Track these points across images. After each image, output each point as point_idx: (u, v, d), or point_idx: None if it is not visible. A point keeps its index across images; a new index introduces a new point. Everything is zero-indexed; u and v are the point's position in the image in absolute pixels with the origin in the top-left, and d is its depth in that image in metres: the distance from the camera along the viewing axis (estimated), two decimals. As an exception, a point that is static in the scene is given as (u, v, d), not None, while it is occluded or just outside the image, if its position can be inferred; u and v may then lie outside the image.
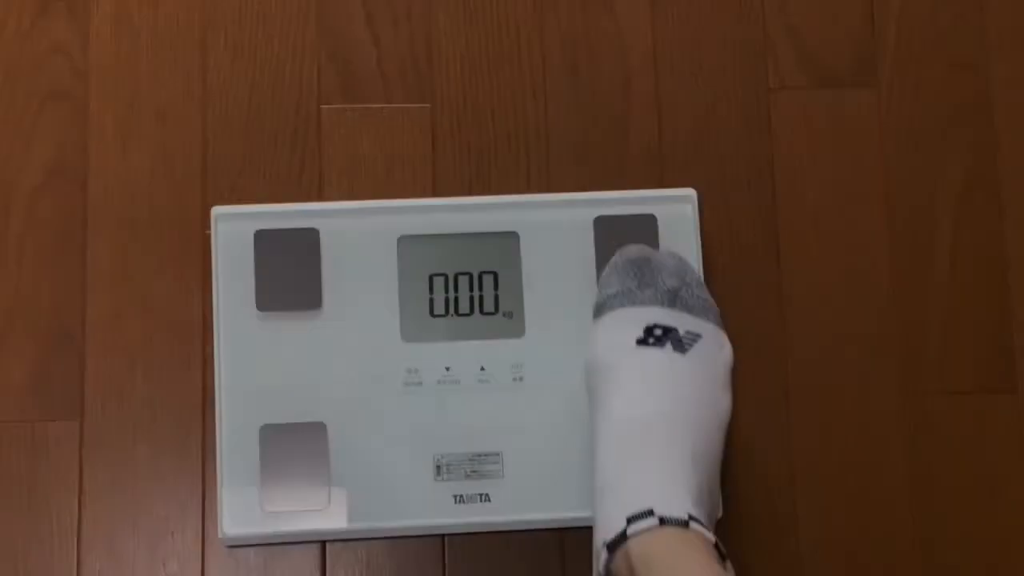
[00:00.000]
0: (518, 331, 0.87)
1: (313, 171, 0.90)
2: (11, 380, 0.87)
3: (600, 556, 0.77)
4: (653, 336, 0.84)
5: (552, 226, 0.88)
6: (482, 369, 0.86)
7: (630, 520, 0.76)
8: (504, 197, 0.89)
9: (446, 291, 0.87)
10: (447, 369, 0.86)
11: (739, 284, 0.90)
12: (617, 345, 0.84)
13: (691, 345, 0.84)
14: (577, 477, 0.84)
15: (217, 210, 0.87)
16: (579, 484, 0.83)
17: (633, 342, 0.84)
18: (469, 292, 0.87)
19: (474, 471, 0.85)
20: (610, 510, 0.78)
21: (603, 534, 0.77)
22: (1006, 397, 0.90)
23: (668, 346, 0.83)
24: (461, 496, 0.85)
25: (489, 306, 0.87)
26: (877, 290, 0.91)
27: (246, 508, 0.83)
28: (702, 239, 0.89)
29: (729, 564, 0.77)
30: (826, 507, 0.88)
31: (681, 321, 0.85)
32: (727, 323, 0.85)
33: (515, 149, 0.91)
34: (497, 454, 0.85)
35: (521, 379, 0.86)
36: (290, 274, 0.86)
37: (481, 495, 0.85)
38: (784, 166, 0.92)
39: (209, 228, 0.87)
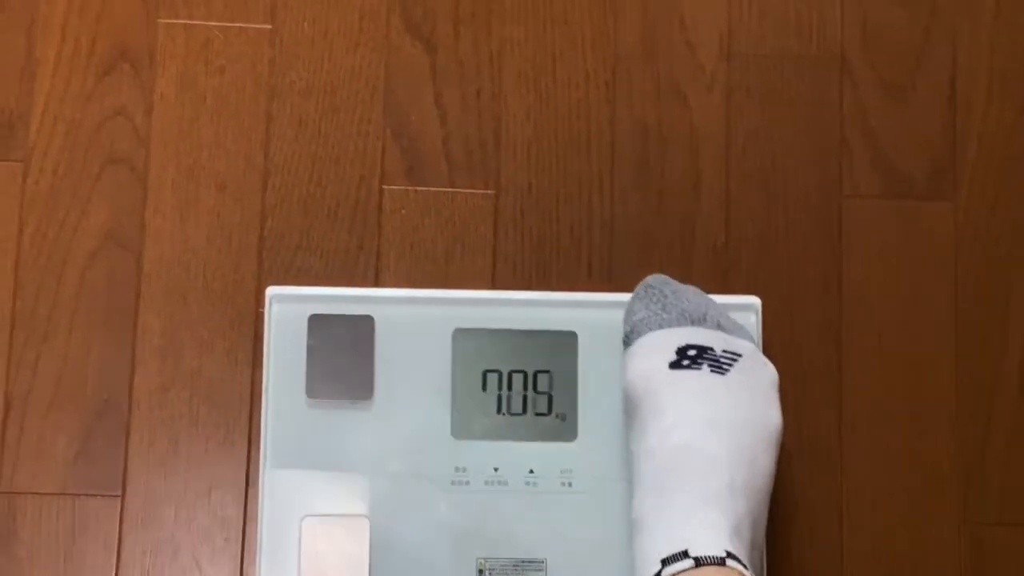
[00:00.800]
0: (570, 435, 0.86)
1: (371, 252, 0.90)
2: (55, 451, 0.86)
3: None
4: (687, 357, 0.81)
5: (612, 327, 0.86)
6: (531, 472, 0.85)
7: (664, 562, 0.75)
8: (564, 295, 0.87)
9: (499, 388, 0.86)
10: (495, 470, 0.85)
11: (798, 398, 0.88)
12: (649, 371, 0.82)
13: (731, 365, 0.82)
14: (621, 588, 0.83)
15: (272, 291, 0.86)
16: (623, 596, 0.83)
17: (666, 366, 0.81)
18: (523, 391, 0.86)
19: (517, 577, 0.85)
20: (645, 550, 0.77)
21: (639, 575, 0.76)
22: (1066, 530, 0.89)
23: (705, 367, 0.81)
24: (503, 602, 0.85)
25: (542, 407, 0.86)
26: (940, 413, 0.89)
27: (283, 602, 0.83)
28: (764, 347, 0.89)
29: None
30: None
31: (716, 340, 0.83)
32: (785, 435, 0.83)
33: (578, 240, 0.90)
34: (542, 561, 0.84)
35: (570, 484, 0.85)
36: (343, 362, 0.86)
37: (523, 602, 0.85)
38: (852, 278, 0.91)
39: (263, 306, 0.87)
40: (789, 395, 0.88)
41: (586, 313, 0.87)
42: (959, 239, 0.92)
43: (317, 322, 0.86)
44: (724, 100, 0.92)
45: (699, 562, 0.74)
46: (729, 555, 0.75)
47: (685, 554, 0.75)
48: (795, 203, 0.92)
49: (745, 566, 0.75)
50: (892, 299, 0.91)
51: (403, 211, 0.90)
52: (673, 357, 0.82)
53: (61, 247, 0.88)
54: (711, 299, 0.86)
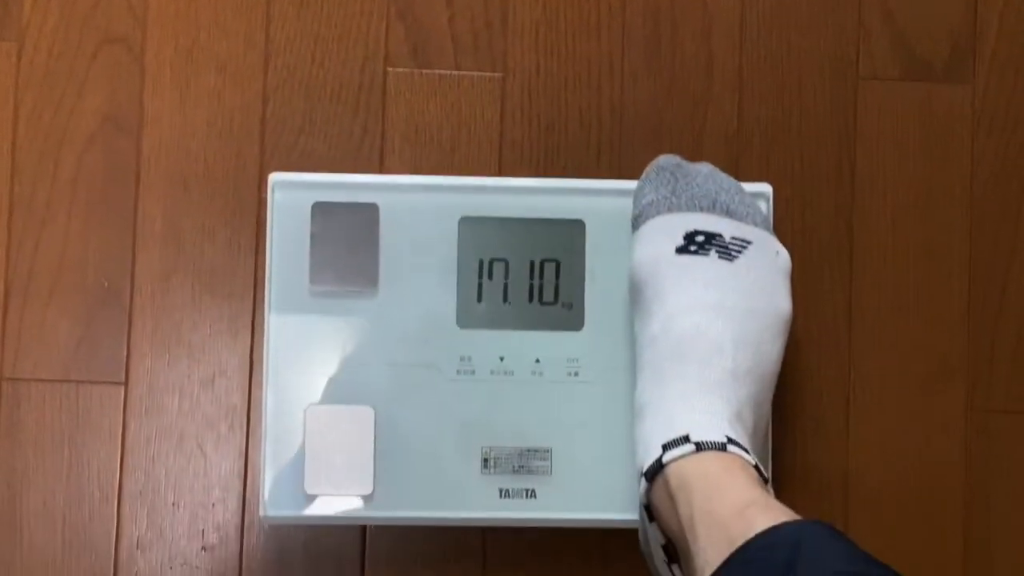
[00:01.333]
0: (577, 324, 0.85)
1: (375, 135, 0.88)
2: (57, 338, 0.86)
3: (640, 484, 0.77)
4: (695, 243, 0.81)
5: (620, 216, 0.85)
6: (537, 361, 0.85)
7: (665, 447, 0.75)
8: (572, 181, 0.86)
9: (505, 277, 0.85)
10: (501, 359, 0.85)
11: (807, 283, 0.88)
12: (655, 256, 0.81)
13: (740, 252, 0.81)
14: (627, 479, 0.82)
15: (275, 177, 0.85)
16: (628, 486, 0.82)
17: (672, 250, 0.81)
18: (529, 280, 0.85)
19: (522, 466, 0.84)
20: (647, 435, 0.78)
21: (641, 461, 0.77)
22: (1073, 421, 0.89)
23: (713, 253, 0.80)
24: (507, 491, 0.84)
25: (549, 296, 0.85)
26: (950, 301, 0.89)
27: (288, 490, 0.83)
28: (775, 232, 0.87)
29: (770, 487, 0.76)
30: (878, 516, 0.88)
31: (725, 226, 0.82)
32: (794, 322, 0.83)
33: (587, 125, 0.89)
34: (547, 450, 0.84)
35: (576, 374, 0.85)
36: (347, 250, 0.84)
37: (527, 491, 0.84)
38: (866, 162, 0.89)
39: (265, 192, 0.86)
40: (799, 282, 0.87)
41: (594, 201, 0.86)
42: (977, 124, 0.90)
43: (321, 210, 0.85)
44: (739, -21, 0.91)
45: (700, 447, 0.74)
46: (730, 440, 0.75)
47: (686, 439, 0.75)
48: (809, 86, 0.90)
49: (747, 451, 0.76)
50: (906, 185, 0.90)
51: (408, 95, 0.88)
52: (681, 242, 0.81)
53: (58, 130, 0.87)
54: (724, 177, 0.84)
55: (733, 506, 0.73)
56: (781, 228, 0.88)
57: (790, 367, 0.85)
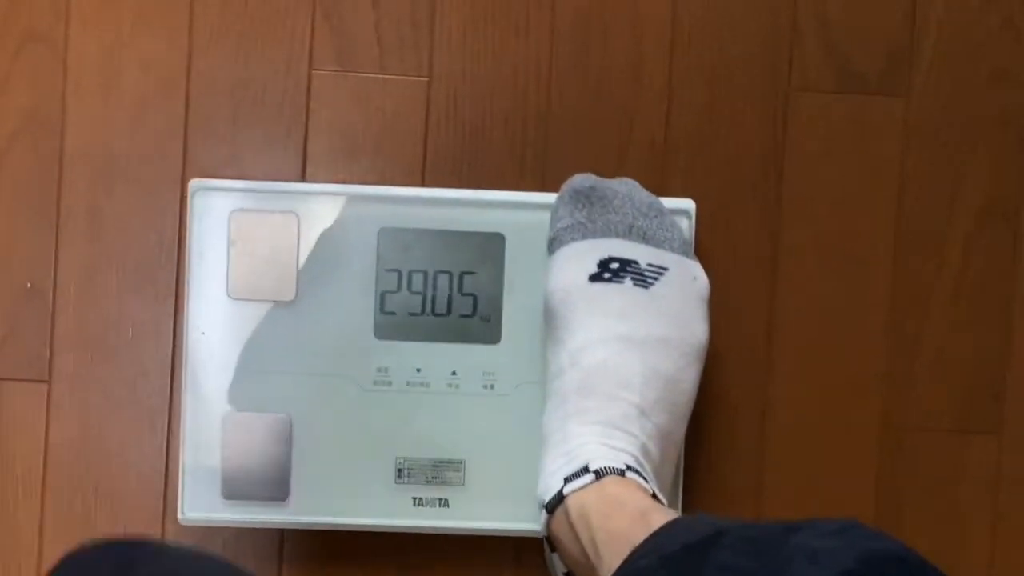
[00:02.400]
0: (494, 337, 0.87)
1: (298, 140, 0.88)
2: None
3: (541, 516, 0.79)
4: (609, 270, 0.82)
5: (540, 230, 0.86)
6: (453, 374, 0.86)
7: (567, 479, 0.77)
8: (492, 194, 0.87)
9: (424, 289, 0.87)
10: (418, 370, 0.86)
11: (729, 297, 0.89)
12: (568, 284, 0.82)
13: (656, 279, 0.82)
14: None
15: (195, 183, 0.86)
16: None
17: (585, 279, 0.82)
18: (448, 292, 0.87)
19: (435, 477, 0.87)
20: (549, 467, 0.80)
21: (542, 494, 0.79)
22: (986, 437, 0.90)
23: (628, 281, 0.81)
24: (420, 499, 0.87)
25: (467, 308, 0.87)
26: (872, 316, 0.90)
27: (206, 494, 0.86)
28: (697, 247, 0.88)
29: (670, 513, 0.77)
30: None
31: (642, 253, 0.83)
32: (714, 337, 0.85)
33: (512, 132, 0.89)
34: (460, 462, 0.86)
35: (492, 387, 0.87)
36: (266, 259, 0.86)
37: (440, 500, 0.87)
38: (794, 175, 0.90)
39: (187, 193, 0.86)
40: (720, 296, 0.89)
41: (515, 214, 0.87)
42: (908, 138, 0.90)
43: (239, 217, 0.86)
44: (672, -16, 0.89)
45: (599, 474, 0.76)
46: (629, 468, 0.77)
47: (585, 469, 0.77)
48: (740, 97, 0.90)
49: (646, 479, 0.77)
50: (834, 198, 0.90)
51: (332, 98, 0.88)
52: (594, 270, 0.82)
53: (-21, 129, 0.89)
54: (644, 196, 0.85)
55: (631, 516, 0.74)
56: (705, 241, 0.89)
57: (707, 379, 0.86)
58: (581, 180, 0.85)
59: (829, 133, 0.90)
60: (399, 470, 0.87)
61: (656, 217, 0.84)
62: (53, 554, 0.88)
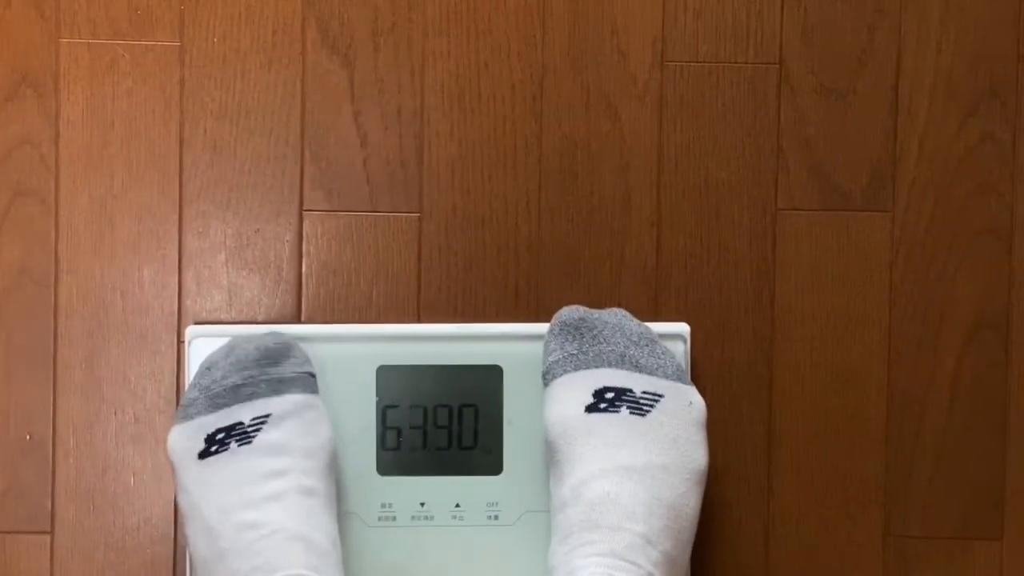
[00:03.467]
0: (496, 468, 0.88)
1: (292, 282, 0.90)
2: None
3: None
4: (605, 400, 0.84)
5: (536, 360, 0.88)
6: (457, 506, 0.88)
7: None
8: (488, 327, 0.89)
9: (424, 423, 0.88)
10: (422, 505, 0.88)
11: (727, 414, 0.91)
12: (565, 416, 0.84)
13: (652, 406, 0.83)
14: (547, 620, 0.87)
15: (192, 330, 0.88)
16: (548, 628, 0.86)
17: (582, 410, 0.84)
18: (448, 425, 0.88)
19: (443, 611, 0.88)
20: None
21: None
22: (990, 544, 0.92)
23: (624, 410, 0.83)
24: (430, 634, 0.88)
25: (468, 441, 0.88)
26: (869, 428, 0.92)
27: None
28: (693, 368, 0.90)
29: None
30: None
31: (635, 381, 0.84)
32: (713, 457, 0.86)
33: (504, 264, 0.91)
34: (467, 595, 0.88)
35: (496, 517, 0.88)
36: (265, 404, 0.87)
37: (450, 634, 0.88)
38: (785, 293, 0.92)
39: (183, 339, 0.88)
40: (718, 415, 0.91)
41: (511, 346, 0.89)
42: (895, 252, 0.92)
43: (238, 362, 0.88)
44: (656, 112, 0.91)
45: None
46: None
47: None
48: (728, 219, 0.92)
49: None
50: (825, 314, 0.92)
51: (324, 237, 0.90)
52: (590, 400, 0.84)
53: (-26, 284, 0.90)
54: (634, 325, 0.86)
55: None
56: (700, 361, 0.91)
57: (708, 499, 0.88)
58: (570, 312, 0.87)
59: (818, 250, 0.92)
60: (408, 607, 0.89)
61: (647, 345, 0.86)
62: None
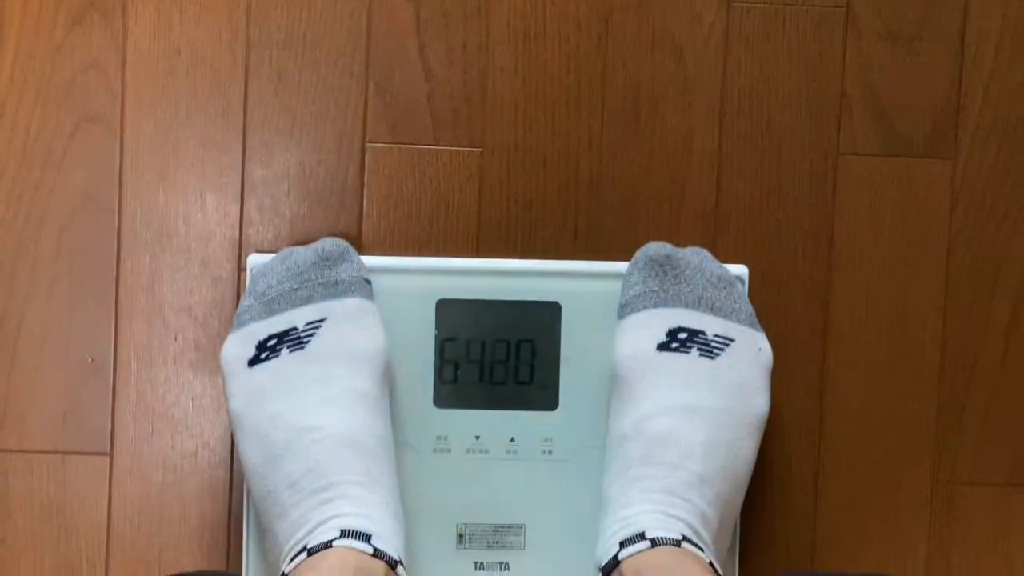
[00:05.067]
0: (551, 404, 0.90)
1: (353, 212, 0.92)
2: (44, 411, 0.91)
3: None
4: (677, 340, 0.86)
5: (595, 298, 0.90)
6: (512, 440, 0.90)
7: (623, 544, 0.82)
8: (548, 263, 0.91)
9: (482, 358, 0.90)
10: (477, 438, 0.90)
11: (780, 358, 0.92)
12: (636, 352, 0.87)
13: (722, 350, 0.86)
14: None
15: (253, 259, 0.90)
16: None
17: (653, 347, 0.86)
18: (505, 360, 0.90)
19: (496, 541, 0.90)
20: (607, 531, 0.84)
21: (599, 557, 0.84)
22: (1039, 493, 0.94)
23: (694, 351, 0.86)
24: (481, 563, 0.91)
25: (524, 376, 0.91)
26: (922, 375, 0.94)
27: (267, 568, 0.89)
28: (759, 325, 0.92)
29: None
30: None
31: (709, 324, 0.87)
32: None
33: (564, 203, 0.93)
34: (520, 526, 0.90)
35: (550, 452, 0.90)
36: (325, 333, 0.89)
37: (501, 564, 0.91)
38: (844, 237, 0.94)
39: (244, 267, 0.90)
40: (773, 359, 0.92)
41: (570, 283, 0.91)
42: (955, 200, 0.94)
43: (299, 292, 0.90)
44: (721, 53, 0.93)
45: (655, 543, 0.80)
46: (685, 538, 0.81)
47: (642, 536, 0.81)
48: (789, 162, 0.94)
49: (702, 549, 0.82)
50: (882, 260, 0.94)
51: (387, 170, 0.92)
52: (663, 339, 0.86)
53: (39, 207, 0.91)
54: (714, 267, 0.88)
55: None
56: (757, 303, 0.93)
57: (761, 445, 0.89)
58: (656, 248, 0.89)
59: (877, 196, 0.94)
60: (460, 535, 0.91)
61: (725, 288, 0.88)
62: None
